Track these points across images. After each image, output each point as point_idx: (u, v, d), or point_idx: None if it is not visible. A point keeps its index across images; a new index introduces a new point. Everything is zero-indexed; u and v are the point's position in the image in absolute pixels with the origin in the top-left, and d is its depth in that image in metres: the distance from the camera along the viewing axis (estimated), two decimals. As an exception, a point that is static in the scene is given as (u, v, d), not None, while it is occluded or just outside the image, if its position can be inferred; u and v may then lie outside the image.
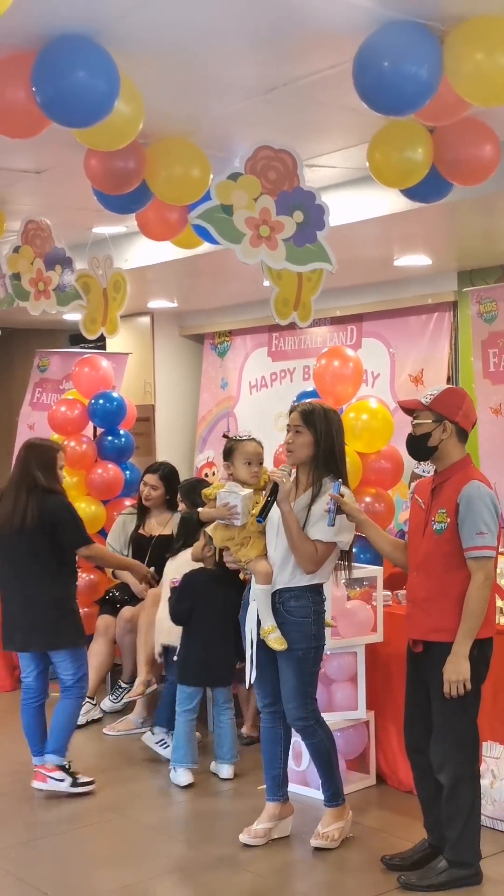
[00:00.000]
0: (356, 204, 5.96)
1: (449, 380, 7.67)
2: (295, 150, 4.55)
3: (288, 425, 4.50)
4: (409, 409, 4.22)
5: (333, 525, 4.25)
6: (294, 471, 4.50)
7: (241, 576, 4.65)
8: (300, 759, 5.10)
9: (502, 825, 4.58)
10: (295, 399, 6.52)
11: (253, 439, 4.73)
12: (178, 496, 6.43)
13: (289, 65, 4.20)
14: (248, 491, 4.51)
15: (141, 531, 6.74)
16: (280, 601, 4.45)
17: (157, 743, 5.77)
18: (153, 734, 5.81)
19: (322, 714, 4.57)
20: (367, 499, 6.10)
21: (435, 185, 4.64)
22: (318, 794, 4.98)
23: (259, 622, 4.46)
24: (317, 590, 4.48)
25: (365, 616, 5.25)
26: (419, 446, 4.17)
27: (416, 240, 6.81)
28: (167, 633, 5.75)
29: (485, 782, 4.62)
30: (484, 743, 4.67)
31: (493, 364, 6.52)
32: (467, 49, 3.62)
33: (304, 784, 5.12)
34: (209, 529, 4.73)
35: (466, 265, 7.52)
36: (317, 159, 5.47)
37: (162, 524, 6.65)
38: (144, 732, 5.99)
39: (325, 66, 4.16)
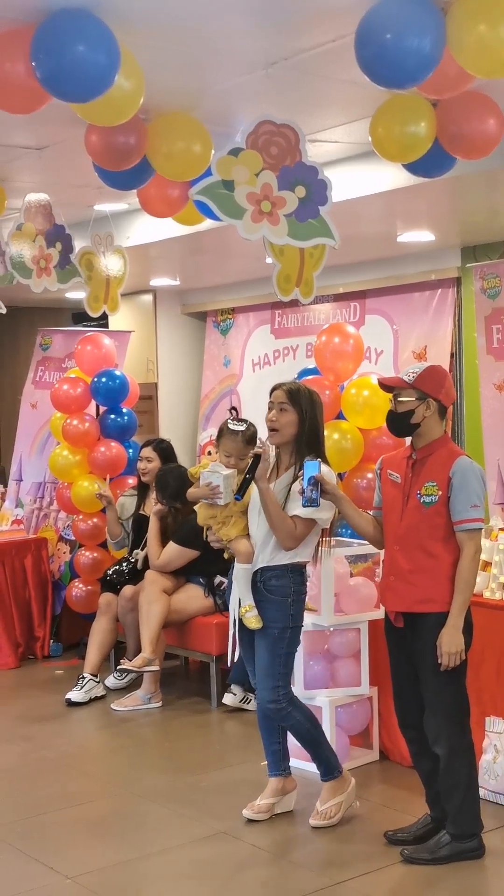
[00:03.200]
0: (359, 179, 5.92)
1: (452, 356, 7.65)
2: (297, 124, 4.52)
3: (271, 402, 4.46)
4: (392, 386, 4.22)
5: (308, 506, 4.22)
6: (274, 449, 4.47)
7: (225, 555, 4.66)
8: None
9: (505, 799, 4.60)
10: (297, 376, 6.53)
11: (246, 429, 4.62)
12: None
13: (290, 38, 4.16)
14: (230, 471, 4.50)
15: (142, 511, 6.76)
16: (261, 580, 4.45)
17: (241, 701, 6.08)
18: (234, 694, 6.13)
19: (325, 690, 4.58)
20: (369, 475, 6.10)
21: (438, 160, 4.61)
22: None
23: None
24: (299, 569, 4.47)
25: (368, 592, 5.26)
26: (402, 423, 4.18)
27: (419, 215, 6.78)
28: None
29: (487, 757, 4.65)
30: (487, 718, 4.69)
31: (496, 340, 6.49)
32: (470, 21, 3.59)
33: (307, 759, 5.14)
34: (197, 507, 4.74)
35: (470, 241, 7.49)
36: (319, 134, 5.44)
37: None
38: (152, 708, 6.06)
39: (326, 39, 4.13)
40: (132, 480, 7.21)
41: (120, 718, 6.13)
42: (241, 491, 4.39)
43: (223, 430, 4.66)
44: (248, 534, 4.52)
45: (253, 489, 4.41)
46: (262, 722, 4.67)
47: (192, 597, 6.42)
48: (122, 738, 5.83)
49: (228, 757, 5.48)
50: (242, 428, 4.62)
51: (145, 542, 6.59)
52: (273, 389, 4.51)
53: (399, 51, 3.60)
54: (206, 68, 4.51)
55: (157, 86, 4.35)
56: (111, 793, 5.03)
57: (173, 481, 6.43)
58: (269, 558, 4.43)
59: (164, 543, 6.44)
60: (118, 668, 6.51)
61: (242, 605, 4.46)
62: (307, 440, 4.41)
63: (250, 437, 4.61)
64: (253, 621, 4.43)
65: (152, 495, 6.74)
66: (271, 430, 4.44)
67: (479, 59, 3.65)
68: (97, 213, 6.82)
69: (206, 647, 6.33)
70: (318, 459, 4.29)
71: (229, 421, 4.66)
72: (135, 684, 6.50)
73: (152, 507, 6.58)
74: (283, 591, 4.43)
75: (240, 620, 4.48)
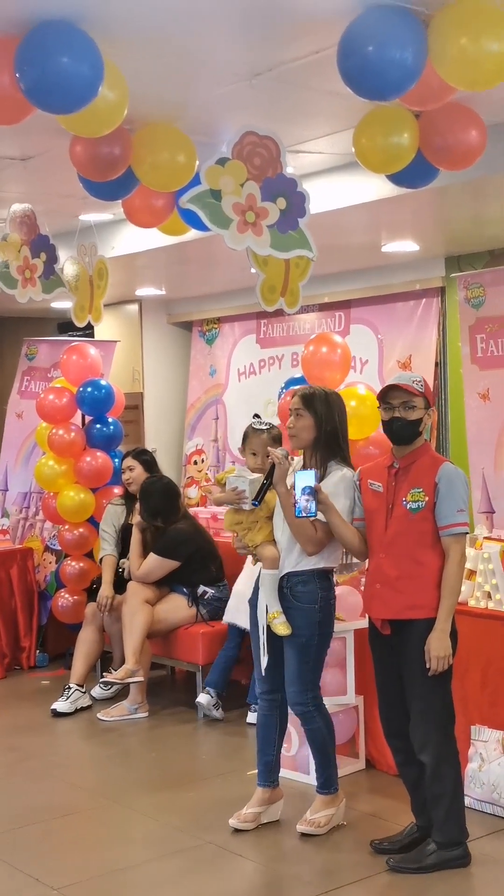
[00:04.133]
0: (343, 190, 5.95)
1: (437, 365, 7.68)
2: (278, 136, 4.54)
3: (289, 408, 4.50)
4: (406, 390, 4.19)
5: (303, 516, 4.23)
6: (291, 458, 4.52)
7: (252, 561, 4.66)
8: (290, 744, 5.12)
9: (490, 808, 4.61)
10: (283, 386, 6.53)
11: (269, 429, 4.70)
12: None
13: (274, 49, 4.19)
14: (256, 475, 4.51)
15: (130, 521, 6.76)
16: (288, 586, 4.46)
17: (213, 706, 6.11)
18: (210, 696, 6.13)
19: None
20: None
21: (421, 171, 4.65)
22: (308, 779, 5.01)
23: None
24: (325, 575, 4.47)
25: (353, 601, 5.26)
26: (411, 430, 4.18)
27: (403, 226, 6.81)
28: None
29: (473, 765, 4.66)
30: (472, 727, 4.70)
31: (480, 349, 6.52)
32: (452, 33, 3.62)
33: (294, 769, 5.15)
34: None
35: (454, 251, 7.53)
36: (303, 145, 5.47)
37: None
38: (138, 718, 6.06)
39: (309, 50, 4.16)
40: (118, 490, 7.21)
41: (105, 728, 6.12)
42: (259, 497, 4.41)
43: (248, 432, 4.72)
44: (273, 539, 4.52)
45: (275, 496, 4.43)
46: (260, 731, 4.67)
47: (176, 607, 6.42)
48: (108, 748, 5.81)
49: (215, 767, 5.47)
50: (267, 427, 4.69)
51: None
52: (292, 395, 4.54)
53: (381, 62, 3.62)
54: (189, 79, 4.53)
55: (142, 96, 4.36)
56: (97, 803, 5.02)
57: (156, 497, 6.44)
58: (295, 563, 4.43)
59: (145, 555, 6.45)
60: (102, 680, 6.51)
61: (270, 611, 4.46)
62: (325, 442, 4.42)
63: (276, 436, 4.65)
64: (281, 628, 4.43)
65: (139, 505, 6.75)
66: (290, 436, 4.48)
67: (460, 71, 3.68)
68: (82, 224, 6.83)
69: (192, 656, 6.32)
70: (313, 469, 4.30)
71: (254, 422, 4.73)
72: (122, 694, 6.49)
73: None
74: (309, 597, 4.42)
75: (268, 627, 4.48)
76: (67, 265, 6.14)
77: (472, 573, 5.01)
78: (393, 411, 4.19)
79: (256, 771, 4.71)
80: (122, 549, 6.79)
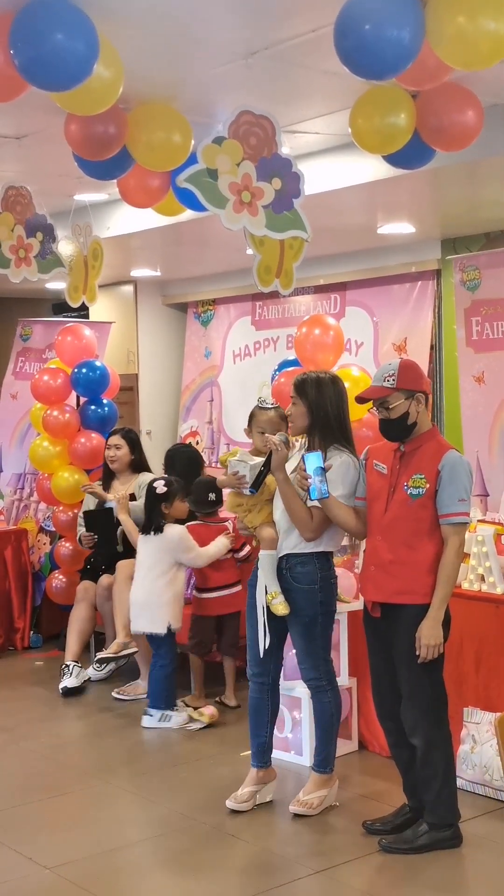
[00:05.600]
0: (339, 171, 5.92)
1: (432, 348, 7.67)
2: (273, 116, 4.52)
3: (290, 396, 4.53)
4: (377, 397, 4.17)
5: (317, 497, 4.23)
6: (296, 440, 4.54)
7: (253, 542, 4.68)
8: (283, 725, 5.13)
9: (482, 789, 4.63)
10: (276, 368, 6.52)
11: (275, 408, 4.72)
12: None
13: (270, 28, 4.16)
14: (257, 460, 4.51)
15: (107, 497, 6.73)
16: (287, 567, 4.47)
17: (160, 721, 5.78)
18: (151, 716, 5.80)
19: (298, 682, 4.60)
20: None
21: (417, 152, 4.63)
22: (301, 760, 5.03)
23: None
24: (325, 556, 4.48)
25: (348, 583, 5.27)
26: (399, 428, 4.15)
27: (399, 207, 6.79)
28: (150, 621, 5.83)
29: (465, 747, 4.67)
30: (465, 708, 4.71)
31: (475, 332, 6.51)
32: (449, 12, 3.59)
33: (286, 750, 5.16)
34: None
35: (450, 233, 7.51)
36: (299, 125, 5.44)
37: (125, 486, 6.68)
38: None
39: (306, 29, 4.13)
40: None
41: (99, 709, 6.13)
42: (256, 485, 4.42)
43: (255, 411, 4.74)
44: (272, 521, 4.54)
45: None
46: (252, 713, 4.68)
47: None
48: (101, 729, 5.82)
49: (208, 748, 5.48)
50: (273, 405, 4.72)
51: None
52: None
53: (378, 42, 3.59)
54: (185, 58, 4.50)
55: (137, 75, 4.33)
56: (90, 783, 5.03)
57: (182, 461, 6.57)
58: (294, 545, 4.44)
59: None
60: (97, 658, 6.51)
61: (269, 591, 4.47)
62: (321, 427, 4.42)
63: (283, 415, 4.65)
64: (280, 607, 4.44)
65: (116, 483, 6.75)
66: (290, 423, 4.51)
67: (458, 51, 3.66)
68: (77, 204, 6.80)
69: (183, 637, 6.32)
70: (319, 451, 4.29)
71: (260, 401, 4.76)
72: (129, 674, 6.47)
73: (116, 494, 6.56)
74: (308, 578, 4.43)
75: (268, 608, 4.49)
76: (63, 245, 6.11)
77: (466, 556, 5.01)
78: (379, 412, 4.20)
79: (250, 752, 4.72)
80: (98, 531, 6.76)
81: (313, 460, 4.22)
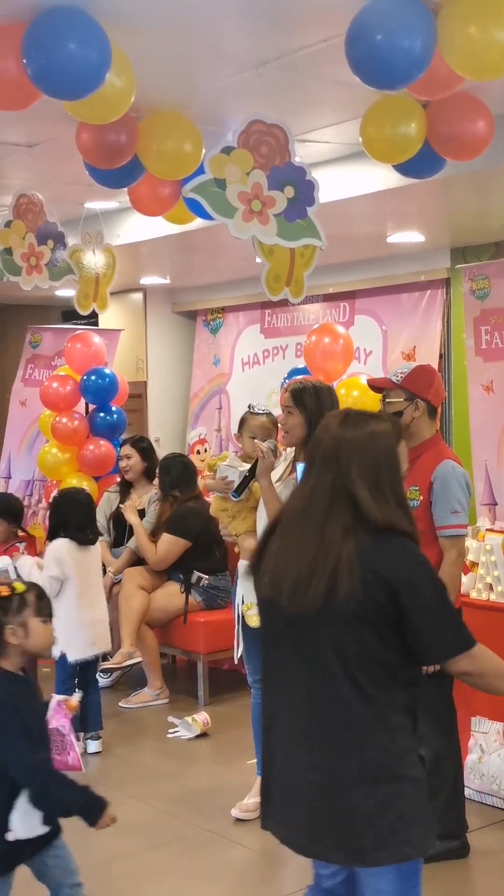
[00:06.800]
0: (349, 180, 5.94)
1: (441, 357, 7.67)
2: (286, 124, 4.53)
3: (282, 406, 4.47)
4: (380, 387, 4.22)
5: None
6: (283, 450, 4.50)
7: (236, 549, 4.67)
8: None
9: (489, 799, 4.62)
10: (286, 376, 6.54)
11: (267, 414, 4.72)
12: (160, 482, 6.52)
13: (281, 38, 4.17)
14: (245, 466, 4.51)
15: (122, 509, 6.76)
16: None
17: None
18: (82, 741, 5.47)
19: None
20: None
21: (428, 161, 4.63)
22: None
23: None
24: None
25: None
26: None
27: (409, 216, 6.79)
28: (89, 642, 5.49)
29: (473, 757, 4.66)
30: (473, 718, 4.71)
31: (484, 341, 6.50)
32: (461, 22, 3.60)
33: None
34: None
35: (459, 242, 7.51)
36: (309, 134, 5.45)
37: (142, 497, 6.71)
38: (160, 704, 6.13)
39: (317, 39, 4.14)
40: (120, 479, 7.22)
41: (105, 716, 6.11)
42: (240, 490, 4.40)
43: (246, 416, 4.73)
44: (255, 530, 4.51)
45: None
46: (255, 721, 4.68)
47: (171, 594, 6.41)
48: (108, 736, 5.82)
49: (216, 756, 5.48)
50: (265, 412, 4.72)
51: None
52: (283, 391, 4.51)
53: (390, 51, 3.60)
54: (197, 67, 4.52)
55: (149, 84, 4.35)
56: (97, 791, 5.02)
57: (177, 468, 6.48)
58: None
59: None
60: (101, 668, 6.50)
61: (245, 602, 4.46)
62: None
63: (274, 421, 4.64)
64: (254, 618, 4.42)
65: (133, 493, 6.77)
66: (284, 432, 4.41)
67: (469, 61, 3.67)
68: (87, 212, 6.83)
69: (193, 645, 6.32)
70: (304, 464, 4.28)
71: (251, 407, 4.76)
72: (137, 682, 6.48)
73: (133, 504, 6.59)
74: None
75: (243, 617, 4.48)
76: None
77: (474, 565, 5.01)
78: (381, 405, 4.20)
79: (255, 760, 4.71)
80: (115, 538, 6.79)
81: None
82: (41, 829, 3.02)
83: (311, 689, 2.44)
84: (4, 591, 3.05)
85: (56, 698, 3.16)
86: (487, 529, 5.25)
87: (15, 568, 5.17)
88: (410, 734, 2.50)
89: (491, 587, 4.93)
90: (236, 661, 4.65)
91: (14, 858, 3.07)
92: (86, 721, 5.42)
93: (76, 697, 3.23)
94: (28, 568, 5.25)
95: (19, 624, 3.06)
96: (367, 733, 2.40)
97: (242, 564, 4.50)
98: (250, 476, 4.38)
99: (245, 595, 4.46)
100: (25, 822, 2.98)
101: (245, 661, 4.66)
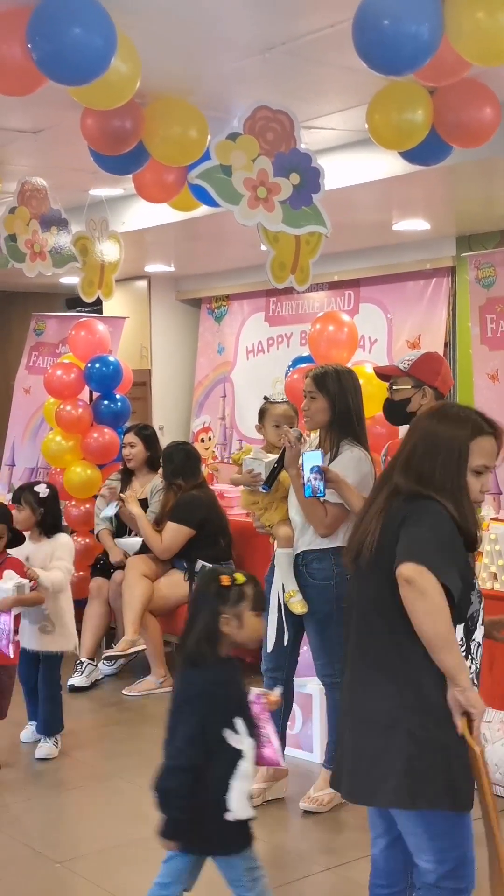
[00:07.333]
0: (355, 167, 5.91)
1: (446, 346, 7.65)
2: (292, 110, 4.51)
3: (304, 391, 4.47)
4: (387, 375, 4.21)
5: (312, 496, 4.21)
6: (307, 436, 4.52)
7: (270, 540, 4.68)
8: (294, 722, 5.13)
9: (493, 788, 4.60)
10: (291, 364, 6.52)
11: (286, 401, 4.72)
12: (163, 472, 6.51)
13: (288, 23, 4.15)
14: (272, 457, 4.51)
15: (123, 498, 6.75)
16: (303, 563, 4.46)
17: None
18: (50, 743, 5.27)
19: (310, 678, 4.59)
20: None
21: (434, 148, 4.61)
22: (311, 758, 5.02)
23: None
24: (341, 552, 4.46)
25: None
26: (398, 412, 4.17)
27: (414, 204, 6.77)
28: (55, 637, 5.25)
29: (477, 745, 4.66)
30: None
31: (490, 330, 6.50)
32: (468, 8, 3.58)
33: (298, 747, 5.16)
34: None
35: (465, 230, 7.48)
36: (315, 121, 5.42)
37: (144, 487, 6.70)
38: (164, 692, 6.07)
39: (324, 24, 4.12)
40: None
41: (109, 703, 6.14)
42: (269, 482, 4.41)
43: (265, 407, 4.73)
44: (288, 518, 4.53)
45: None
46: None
47: (175, 582, 6.40)
48: (112, 724, 5.83)
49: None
50: (283, 399, 4.73)
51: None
52: (305, 377, 4.51)
53: (397, 37, 3.58)
54: (203, 52, 4.49)
55: (154, 69, 4.32)
56: (101, 778, 5.03)
57: (180, 456, 6.47)
58: (309, 542, 4.43)
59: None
60: (105, 655, 6.51)
61: (286, 590, 4.47)
62: (339, 422, 4.38)
63: (295, 408, 4.63)
64: (297, 606, 4.44)
65: (135, 482, 6.76)
66: (305, 418, 4.44)
67: (476, 46, 3.65)
68: (92, 198, 6.81)
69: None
70: (320, 449, 4.28)
71: (269, 397, 4.76)
72: (140, 670, 6.48)
73: (134, 493, 6.58)
74: (324, 573, 4.41)
75: (286, 605, 4.49)
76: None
77: (479, 554, 5.00)
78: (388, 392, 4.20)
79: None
80: (117, 527, 6.79)
81: (312, 459, 4.19)
82: (253, 812, 3.02)
83: None
84: (225, 581, 3.08)
85: (255, 691, 3.15)
86: (492, 518, 5.24)
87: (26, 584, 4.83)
88: None
89: (496, 576, 4.92)
90: (269, 650, 4.60)
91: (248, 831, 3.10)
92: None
93: (277, 692, 3.23)
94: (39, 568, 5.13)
95: (235, 615, 3.07)
96: None
97: (280, 553, 4.49)
98: (279, 467, 4.37)
99: (285, 583, 4.46)
100: (242, 802, 3.01)
101: (263, 650, 4.65)
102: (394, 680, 2.74)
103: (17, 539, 4.96)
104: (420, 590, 2.61)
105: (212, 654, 3.05)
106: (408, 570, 2.63)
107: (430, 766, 2.70)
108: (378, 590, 2.75)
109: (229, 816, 3.01)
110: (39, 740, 5.29)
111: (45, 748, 5.21)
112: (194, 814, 3.07)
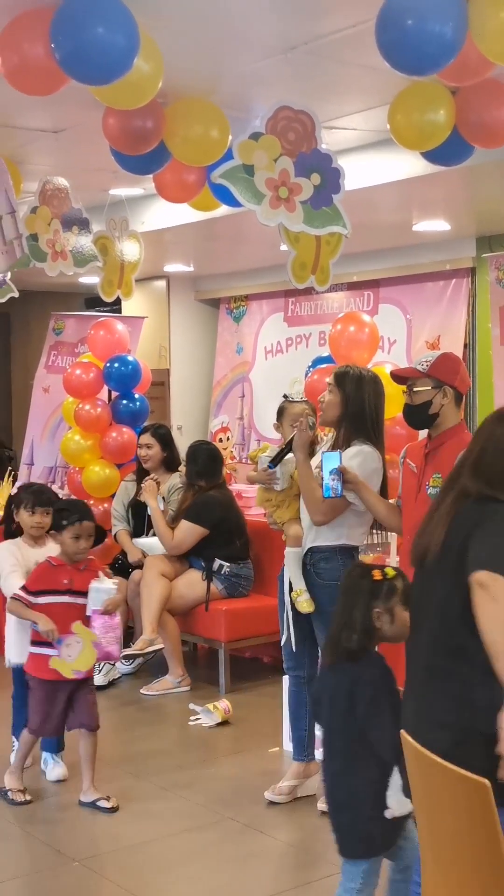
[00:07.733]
0: (375, 167, 5.90)
1: (466, 347, 7.63)
2: (314, 111, 4.50)
3: (326, 381, 4.52)
4: (406, 377, 4.19)
5: (331, 496, 4.21)
6: (324, 435, 4.55)
7: (283, 538, 4.69)
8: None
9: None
10: (310, 364, 6.51)
11: (305, 401, 4.73)
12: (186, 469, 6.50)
13: (310, 23, 4.14)
14: (288, 455, 4.52)
15: (139, 497, 6.75)
16: (311, 562, 4.45)
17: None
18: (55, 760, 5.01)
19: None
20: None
21: (456, 148, 4.60)
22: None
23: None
24: (348, 552, 4.45)
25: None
26: (420, 415, 4.14)
27: (435, 204, 6.75)
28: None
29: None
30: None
31: (510, 331, 6.48)
32: (493, 7, 3.57)
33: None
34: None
35: (485, 231, 7.46)
36: (336, 121, 5.42)
37: (161, 486, 6.69)
38: (181, 692, 6.13)
39: (347, 24, 4.11)
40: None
41: (127, 702, 6.14)
42: (276, 460, 4.44)
43: (284, 405, 4.74)
44: (299, 517, 4.53)
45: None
46: (291, 707, 4.69)
47: (192, 582, 6.40)
48: (130, 723, 5.83)
49: (237, 744, 5.48)
50: (302, 399, 4.73)
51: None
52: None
53: (420, 37, 3.57)
54: (224, 52, 4.50)
55: (176, 69, 4.32)
56: (119, 777, 5.03)
57: (203, 457, 6.47)
58: (315, 538, 4.43)
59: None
60: (123, 654, 6.51)
61: (294, 588, 4.47)
62: (350, 422, 4.39)
63: (313, 408, 4.65)
64: (304, 605, 4.43)
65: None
66: (321, 410, 4.49)
67: (501, 46, 3.63)
68: (112, 198, 6.82)
69: (214, 633, 6.32)
70: (339, 451, 4.28)
71: (288, 396, 4.75)
72: (159, 669, 6.49)
73: (156, 484, 6.57)
74: (331, 574, 4.39)
75: (293, 603, 4.49)
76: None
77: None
78: (406, 396, 4.18)
79: (277, 748, 4.71)
80: (135, 527, 6.80)
81: (330, 460, 4.20)
82: (411, 807, 2.94)
83: None
84: (377, 576, 3.09)
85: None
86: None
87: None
88: None
89: None
90: (283, 643, 4.62)
91: (394, 835, 3.09)
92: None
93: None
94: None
95: (386, 609, 3.09)
96: None
97: (290, 552, 4.50)
98: (286, 448, 4.39)
99: (293, 582, 4.47)
100: (399, 799, 2.99)
101: (284, 648, 4.65)
102: (452, 688, 2.72)
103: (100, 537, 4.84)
104: (493, 595, 2.58)
105: (371, 648, 3.09)
106: (483, 577, 2.61)
107: None
108: (445, 592, 2.74)
109: (387, 814, 3.01)
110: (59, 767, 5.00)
111: (58, 770, 4.94)
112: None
